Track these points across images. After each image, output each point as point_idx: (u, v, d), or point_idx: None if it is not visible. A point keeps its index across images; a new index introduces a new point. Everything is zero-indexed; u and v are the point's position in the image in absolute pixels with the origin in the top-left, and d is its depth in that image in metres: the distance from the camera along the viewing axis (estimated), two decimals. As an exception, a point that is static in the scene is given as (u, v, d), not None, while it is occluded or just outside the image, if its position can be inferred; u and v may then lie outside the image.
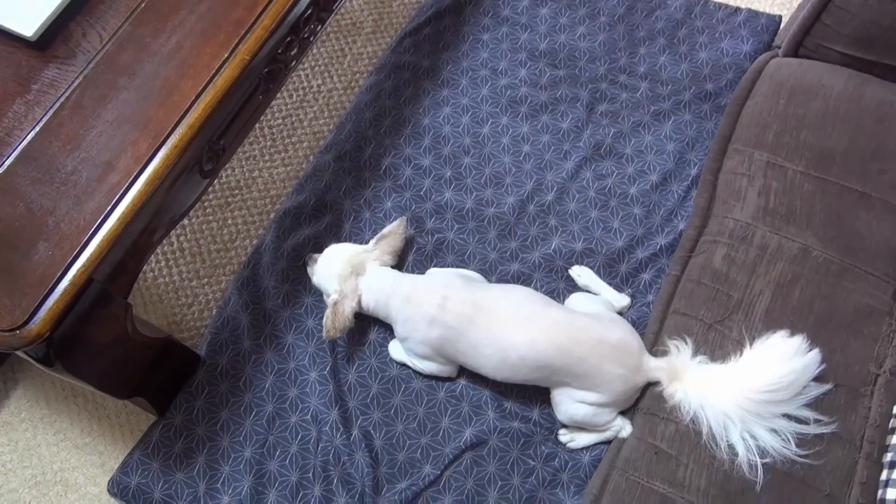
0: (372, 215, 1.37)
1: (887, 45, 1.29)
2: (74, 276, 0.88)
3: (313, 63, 1.63)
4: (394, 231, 1.26)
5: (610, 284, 1.29)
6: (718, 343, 1.14)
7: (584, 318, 1.16)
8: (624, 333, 1.12)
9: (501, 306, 1.14)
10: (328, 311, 1.18)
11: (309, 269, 1.27)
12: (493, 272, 1.30)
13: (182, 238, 1.44)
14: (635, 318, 1.27)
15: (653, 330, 1.20)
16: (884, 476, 0.98)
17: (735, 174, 1.30)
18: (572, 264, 1.31)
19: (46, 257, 0.89)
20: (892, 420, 1.04)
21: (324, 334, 1.18)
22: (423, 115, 1.48)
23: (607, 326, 1.14)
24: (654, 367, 1.10)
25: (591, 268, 1.31)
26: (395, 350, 1.24)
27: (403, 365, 1.23)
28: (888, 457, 1.00)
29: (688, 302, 1.19)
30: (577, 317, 1.16)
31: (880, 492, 0.97)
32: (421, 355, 1.18)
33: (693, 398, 1.06)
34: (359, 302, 1.18)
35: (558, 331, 1.11)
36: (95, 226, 0.90)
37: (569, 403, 1.11)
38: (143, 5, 1.05)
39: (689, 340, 1.12)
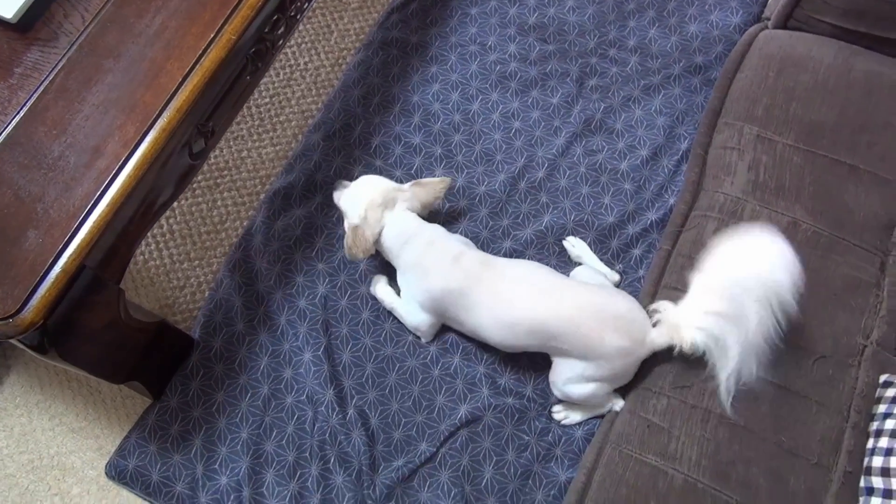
0: (363, 195, 1.36)
1: (878, 17, 1.28)
2: (66, 262, 0.87)
3: (300, 40, 1.60)
4: (434, 184, 1.26)
5: (601, 260, 1.30)
6: (709, 317, 1.15)
7: (589, 287, 1.17)
8: (628, 305, 1.12)
9: (508, 270, 1.16)
10: (348, 233, 1.20)
11: (336, 194, 1.29)
12: (486, 250, 1.30)
13: (172, 221, 1.43)
14: (627, 293, 1.28)
15: (644, 305, 1.21)
16: (870, 444, 1.00)
17: (725, 148, 1.30)
18: (563, 240, 1.32)
19: (37, 245, 0.88)
20: (878, 390, 1.06)
21: (346, 253, 1.21)
22: (412, 92, 1.46)
23: (612, 297, 1.15)
24: (657, 335, 1.09)
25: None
26: (382, 290, 1.24)
27: (390, 316, 1.24)
28: (874, 425, 1.02)
29: (679, 277, 1.20)
30: (582, 286, 1.17)
31: (866, 459, 0.99)
32: (420, 303, 1.19)
33: (698, 335, 1.05)
34: (380, 233, 1.19)
35: (561, 297, 1.12)
36: (85, 212, 0.89)
37: (568, 376, 1.12)
38: (125, -15, 1.02)
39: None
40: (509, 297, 1.12)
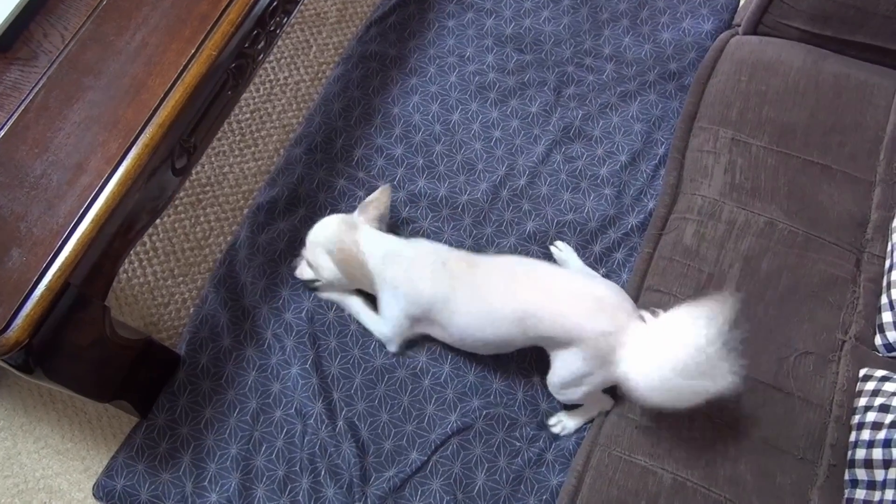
0: (346, 207, 1.37)
1: (843, 21, 1.32)
2: (50, 281, 0.87)
3: (279, 55, 1.61)
4: (377, 198, 1.26)
5: (585, 262, 1.32)
6: (692, 317, 1.17)
7: (571, 273, 1.20)
8: (610, 290, 1.11)
9: (491, 264, 1.17)
10: (336, 264, 1.19)
11: (299, 262, 1.27)
12: (470, 258, 1.32)
13: (155, 238, 1.42)
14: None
15: (628, 308, 1.23)
16: (853, 437, 1.02)
17: (701, 152, 1.32)
18: (547, 246, 1.33)
19: (20, 263, 0.87)
20: (858, 384, 1.08)
21: (340, 280, 1.21)
22: (392, 105, 1.48)
23: (593, 281, 1.17)
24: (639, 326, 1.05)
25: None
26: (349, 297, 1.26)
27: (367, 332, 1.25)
28: (856, 419, 1.04)
29: (661, 278, 1.22)
30: (563, 272, 1.20)
31: (850, 452, 1.01)
32: (406, 314, 1.18)
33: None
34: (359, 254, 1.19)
35: (541, 281, 1.12)
36: (69, 229, 0.89)
37: (562, 374, 1.11)
38: (104, 3, 1.03)
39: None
40: (491, 289, 1.13)
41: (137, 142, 0.94)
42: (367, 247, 1.19)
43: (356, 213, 1.25)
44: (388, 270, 1.18)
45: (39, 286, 0.86)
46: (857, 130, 1.30)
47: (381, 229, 1.24)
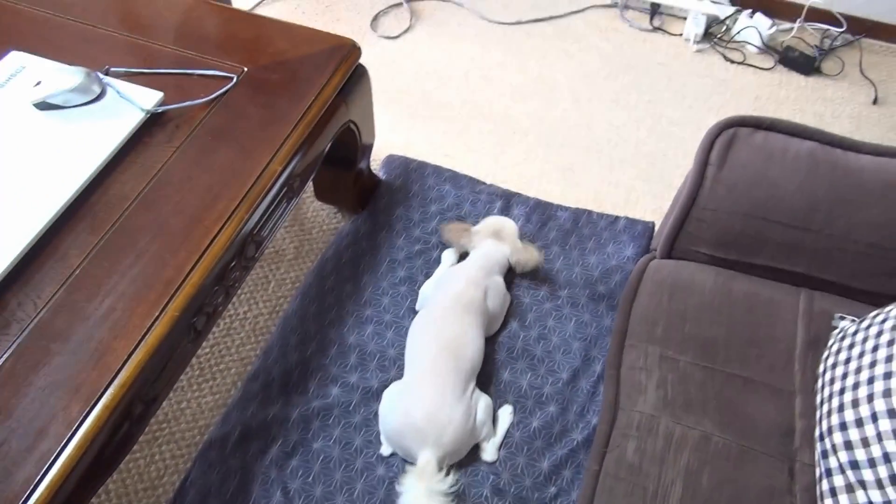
0: (300, 436, 1.40)
1: (742, 248, 1.50)
2: (0, 551, 0.87)
3: (239, 292, 1.73)
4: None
5: (535, 482, 1.35)
6: (642, 539, 1.19)
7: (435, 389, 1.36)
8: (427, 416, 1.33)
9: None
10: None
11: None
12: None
13: (108, 480, 1.42)
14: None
15: (581, 529, 1.25)
16: None
17: (634, 368, 1.42)
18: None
19: (-29, 536, 0.88)
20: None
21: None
22: (347, 334, 1.57)
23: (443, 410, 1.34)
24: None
25: (515, 466, 1.37)
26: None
27: None
28: None
29: (609, 497, 1.25)
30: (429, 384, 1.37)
31: None
32: None
33: None
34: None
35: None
36: (24, 497, 0.91)
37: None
38: (77, 272, 1.13)
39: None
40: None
41: (99, 403, 0.99)
42: None
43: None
44: None
45: (-12, 559, 0.87)
46: (771, 343, 1.42)
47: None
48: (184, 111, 1.37)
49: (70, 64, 1.38)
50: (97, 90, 1.36)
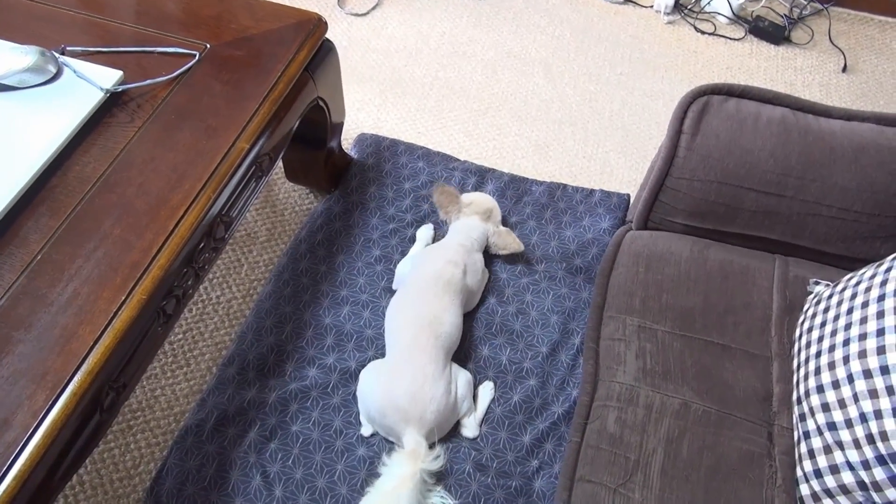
0: (278, 420, 1.38)
1: (717, 216, 1.50)
2: (-34, 547, 0.84)
3: (211, 276, 1.69)
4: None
5: (517, 456, 1.35)
6: (625, 507, 1.20)
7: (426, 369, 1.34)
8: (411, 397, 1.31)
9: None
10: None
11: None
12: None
13: (82, 471, 1.39)
14: (545, 489, 1.32)
15: (563, 499, 1.24)
16: None
17: (613, 340, 1.42)
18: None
19: (-65, 532, 0.85)
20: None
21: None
22: (323, 316, 1.55)
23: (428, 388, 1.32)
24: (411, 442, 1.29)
25: (497, 441, 1.37)
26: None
27: None
28: None
29: (591, 468, 1.25)
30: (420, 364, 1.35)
31: None
32: None
33: None
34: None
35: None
36: (-11, 490, 0.88)
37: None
38: (38, 257, 1.09)
39: None
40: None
41: (66, 391, 0.96)
42: None
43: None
44: None
45: (-46, 555, 0.84)
46: (747, 310, 1.43)
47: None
48: (145, 90, 1.33)
49: (23, 44, 1.33)
50: (53, 70, 1.31)
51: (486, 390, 1.43)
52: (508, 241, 1.59)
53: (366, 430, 1.37)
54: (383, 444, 1.35)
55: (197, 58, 1.38)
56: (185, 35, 1.43)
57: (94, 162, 1.21)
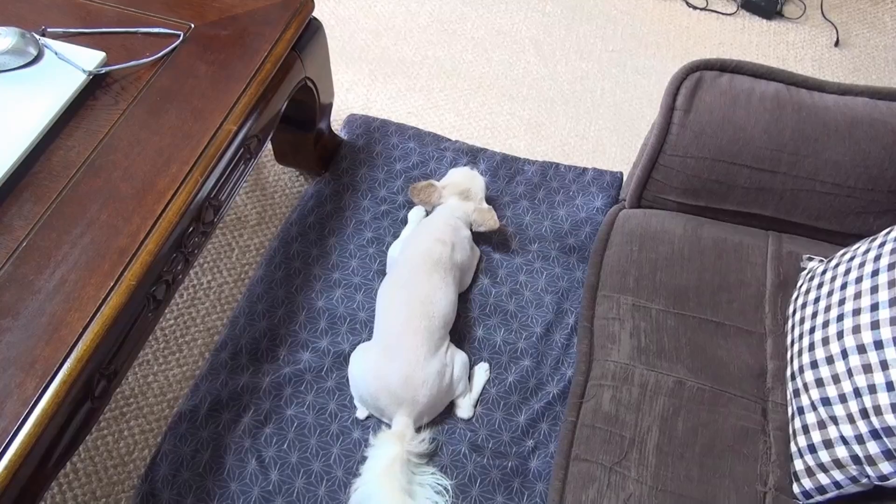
0: (272, 404, 1.38)
1: (710, 193, 1.49)
2: (-42, 538, 0.84)
3: (201, 260, 1.67)
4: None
5: (513, 437, 1.35)
6: (621, 485, 1.20)
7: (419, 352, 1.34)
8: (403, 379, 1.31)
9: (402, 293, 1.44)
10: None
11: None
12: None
13: (75, 458, 1.38)
14: (541, 468, 1.32)
15: (559, 477, 1.25)
16: None
17: (607, 319, 1.42)
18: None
19: (-74, 524, 0.84)
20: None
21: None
22: (316, 299, 1.54)
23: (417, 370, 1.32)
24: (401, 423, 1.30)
25: (492, 422, 1.37)
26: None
27: None
28: None
29: (587, 447, 1.26)
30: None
31: None
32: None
33: None
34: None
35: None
36: (-19, 480, 0.87)
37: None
38: (23, 244, 1.07)
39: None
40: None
41: (55, 379, 0.95)
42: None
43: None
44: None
45: (-54, 546, 0.83)
46: (741, 287, 1.42)
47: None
48: (129, 72, 1.30)
49: (2, 25, 1.30)
50: (34, 52, 1.28)
51: (481, 371, 1.43)
52: (486, 218, 1.58)
53: (361, 413, 1.36)
54: (378, 426, 1.35)
55: (181, 38, 1.35)
56: (169, 14, 1.40)
57: (79, 146, 1.19)
